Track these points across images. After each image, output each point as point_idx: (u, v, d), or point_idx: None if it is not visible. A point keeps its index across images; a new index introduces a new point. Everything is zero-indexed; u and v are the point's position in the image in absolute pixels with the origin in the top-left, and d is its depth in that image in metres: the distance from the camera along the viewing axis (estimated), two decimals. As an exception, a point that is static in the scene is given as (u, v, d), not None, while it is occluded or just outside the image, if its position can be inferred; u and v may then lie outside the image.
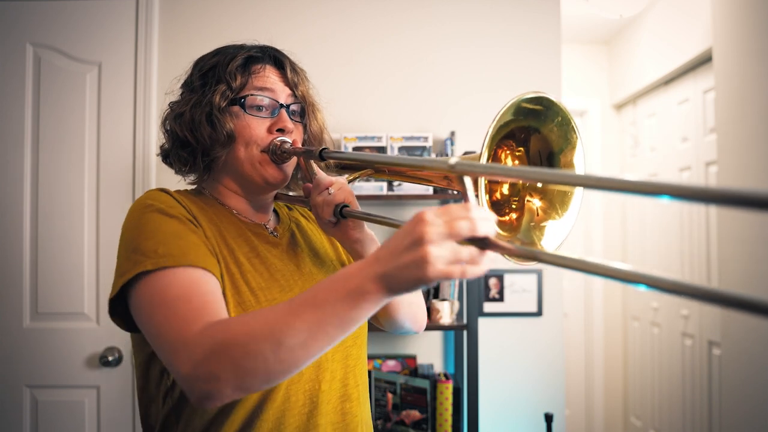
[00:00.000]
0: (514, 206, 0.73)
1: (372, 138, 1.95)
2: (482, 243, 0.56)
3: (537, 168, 0.66)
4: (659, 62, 3.01)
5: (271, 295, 0.81)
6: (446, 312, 1.84)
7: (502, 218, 0.73)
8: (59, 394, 1.95)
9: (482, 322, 2.06)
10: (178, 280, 0.71)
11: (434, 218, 0.55)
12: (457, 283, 1.93)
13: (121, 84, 2.04)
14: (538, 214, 0.71)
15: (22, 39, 2.01)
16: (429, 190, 1.92)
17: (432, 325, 1.84)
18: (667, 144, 3.07)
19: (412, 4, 2.16)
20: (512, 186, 0.74)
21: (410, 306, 0.96)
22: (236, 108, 0.87)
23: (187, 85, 0.91)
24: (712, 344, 2.60)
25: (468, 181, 0.60)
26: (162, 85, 2.08)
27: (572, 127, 0.70)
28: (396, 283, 0.58)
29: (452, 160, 0.60)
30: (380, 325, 1.00)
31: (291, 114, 0.90)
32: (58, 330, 1.96)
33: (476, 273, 0.57)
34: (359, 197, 1.57)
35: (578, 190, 0.71)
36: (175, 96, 0.93)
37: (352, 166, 0.92)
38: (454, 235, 0.54)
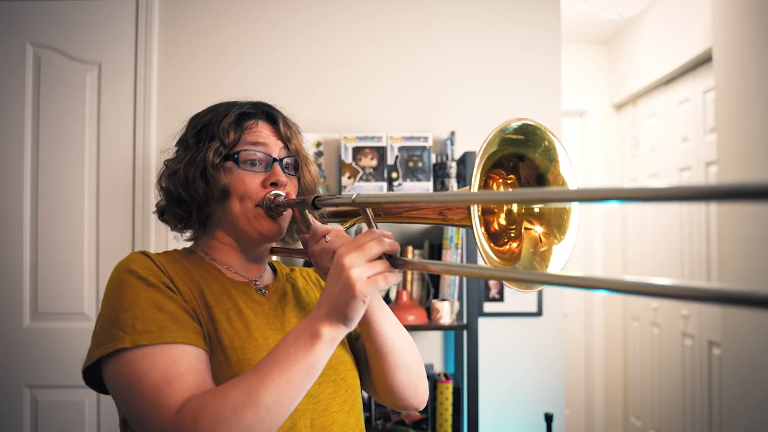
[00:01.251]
0: (512, 235, 0.74)
1: (372, 138, 1.95)
2: (389, 256, 0.70)
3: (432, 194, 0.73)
4: (659, 62, 3.01)
5: (243, 355, 0.80)
6: (446, 312, 1.84)
7: (502, 248, 0.73)
8: (59, 394, 1.95)
9: (482, 322, 2.06)
10: (157, 361, 0.71)
11: (348, 250, 0.68)
12: (457, 283, 1.93)
13: (121, 84, 2.04)
14: (540, 241, 0.72)
15: (22, 39, 2.01)
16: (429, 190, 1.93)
17: (432, 325, 1.84)
18: (667, 144, 3.07)
19: (412, 5, 2.16)
20: (508, 215, 0.75)
21: (408, 372, 0.91)
22: (230, 164, 0.88)
23: (182, 143, 0.93)
24: (712, 344, 2.60)
25: (369, 211, 0.74)
26: (162, 85, 2.09)
27: (554, 146, 0.71)
28: (340, 312, 0.68)
29: (354, 195, 0.75)
30: (379, 398, 0.95)
31: (284, 168, 0.91)
32: (58, 330, 1.96)
33: (395, 278, 0.69)
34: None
35: (575, 211, 0.72)
36: (170, 154, 0.94)
37: (347, 213, 0.91)
38: (366, 255, 0.68)
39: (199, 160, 0.87)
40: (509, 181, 0.75)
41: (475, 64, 2.16)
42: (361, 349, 0.93)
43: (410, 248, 1.99)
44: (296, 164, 0.95)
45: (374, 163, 1.95)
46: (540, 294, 2.12)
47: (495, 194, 0.70)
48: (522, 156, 0.72)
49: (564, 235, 0.72)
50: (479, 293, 2.08)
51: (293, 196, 0.90)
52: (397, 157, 1.95)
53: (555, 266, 0.71)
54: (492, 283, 2.12)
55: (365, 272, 0.67)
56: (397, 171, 1.94)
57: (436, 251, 1.99)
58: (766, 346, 2.00)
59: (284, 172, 0.91)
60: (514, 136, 0.69)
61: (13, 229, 1.98)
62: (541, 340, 2.13)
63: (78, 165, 2.01)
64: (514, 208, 0.75)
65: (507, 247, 0.73)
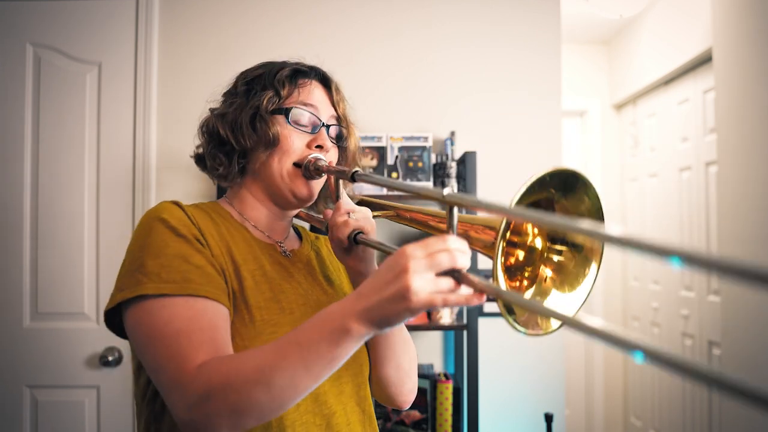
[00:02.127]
0: (526, 275, 0.72)
1: (372, 138, 1.95)
2: (457, 275, 0.59)
3: (539, 213, 0.59)
4: (659, 62, 3.01)
5: (268, 315, 0.80)
6: (446, 312, 1.84)
7: (512, 284, 0.71)
8: (59, 394, 1.95)
9: (482, 322, 2.06)
10: (178, 312, 0.71)
11: (416, 251, 0.58)
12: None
13: (121, 84, 2.04)
14: (545, 281, 0.70)
15: (22, 39, 2.01)
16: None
17: (432, 325, 1.84)
18: (667, 144, 3.07)
19: (412, 5, 2.16)
20: (529, 254, 0.72)
21: (398, 369, 0.91)
22: (280, 117, 0.87)
23: (230, 94, 0.93)
24: (712, 344, 2.60)
25: (455, 212, 0.63)
26: (162, 85, 2.08)
27: (599, 208, 0.66)
28: (381, 317, 0.60)
29: (445, 191, 0.63)
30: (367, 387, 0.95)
31: (330, 135, 0.92)
32: (58, 330, 1.96)
33: (456, 301, 0.59)
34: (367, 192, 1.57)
35: (591, 274, 0.69)
36: (216, 104, 0.94)
37: (376, 206, 0.91)
38: (435, 266, 0.58)
39: (251, 107, 0.87)
40: (536, 230, 0.72)
41: (475, 64, 2.16)
42: None
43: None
44: (340, 135, 0.95)
45: (374, 163, 1.95)
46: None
47: (537, 215, 0.58)
48: (561, 199, 0.67)
49: (573, 290, 0.69)
50: (479, 293, 2.08)
51: (334, 164, 0.90)
52: (397, 157, 1.95)
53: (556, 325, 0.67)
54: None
55: (428, 287, 0.58)
56: (397, 171, 1.94)
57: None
58: (766, 346, 2.00)
59: (329, 138, 0.91)
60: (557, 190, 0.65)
61: (13, 229, 1.98)
62: (541, 340, 2.12)
63: (78, 165, 2.01)
64: (539, 244, 0.72)
65: (519, 284, 0.72)
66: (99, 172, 2.02)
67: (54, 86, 2.01)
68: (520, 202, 0.59)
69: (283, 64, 0.92)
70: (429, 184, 1.92)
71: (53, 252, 1.98)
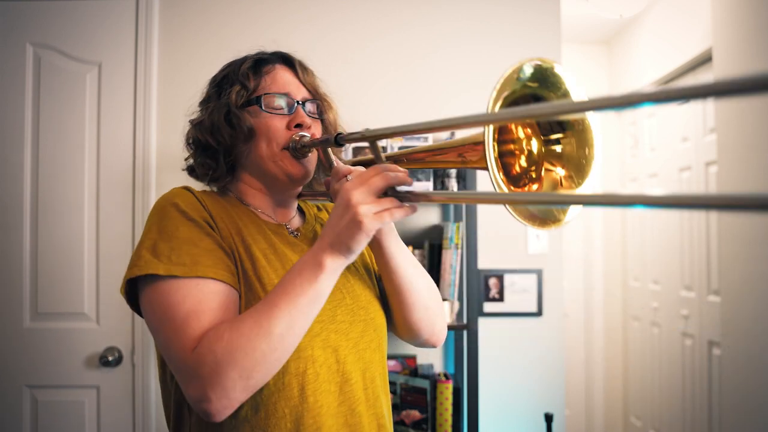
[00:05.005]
0: (533, 176, 0.74)
1: (372, 138, 1.95)
2: (393, 192, 0.71)
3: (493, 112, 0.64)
4: (659, 62, 3.01)
5: None
6: (446, 312, 1.84)
7: (522, 189, 0.73)
8: (59, 394, 1.95)
9: (482, 322, 2.06)
10: (188, 294, 0.74)
11: (353, 183, 0.70)
12: (457, 283, 1.93)
13: (121, 84, 2.04)
14: (561, 184, 0.72)
15: (22, 39, 2.01)
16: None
17: (432, 325, 1.84)
18: (667, 144, 3.07)
19: (412, 4, 2.16)
20: (529, 156, 0.75)
21: (426, 311, 0.92)
22: (254, 107, 0.89)
23: (204, 101, 0.95)
24: (712, 344, 2.60)
25: (377, 145, 0.76)
26: (162, 85, 2.09)
27: (568, 93, 0.70)
28: (343, 244, 0.70)
29: (363, 129, 0.76)
30: (398, 334, 0.97)
31: (308, 112, 0.93)
32: (58, 330, 1.96)
33: (403, 213, 0.71)
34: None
35: (597, 155, 0.73)
36: (194, 115, 0.96)
37: (371, 162, 0.92)
38: (373, 191, 0.69)
39: (222, 105, 0.89)
40: (529, 131, 0.74)
41: (474, 64, 2.16)
42: (383, 289, 0.95)
43: (410, 248, 1.99)
44: (318, 108, 0.96)
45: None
46: (540, 294, 2.12)
47: (504, 113, 0.62)
48: (539, 97, 0.70)
49: (584, 180, 0.71)
50: (479, 293, 2.08)
51: (318, 137, 0.92)
52: (397, 157, 1.94)
53: (573, 212, 0.69)
54: (492, 283, 2.12)
55: (372, 208, 0.69)
56: (397, 171, 1.94)
57: (436, 251, 1.99)
58: (766, 346, 2.00)
59: (308, 115, 0.92)
60: (531, 83, 0.67)
61: (13, 229, 1.98)
62: (541, 340, 2.13)
63: (78, 165, 2.01)
64: (534, 148, 0.74)
65: (527, 188, 0.73)
66: (99, 172, 2.02)
67: (54, 86, 2.01)
68: (501, 103, 0.63)
69: (244, 58, 0.94)
70: (429, 185, 1.92)
71: (53, 252, 1.98)
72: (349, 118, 2.31)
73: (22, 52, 2.01)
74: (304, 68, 0.96)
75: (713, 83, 0.35)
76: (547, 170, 0.72)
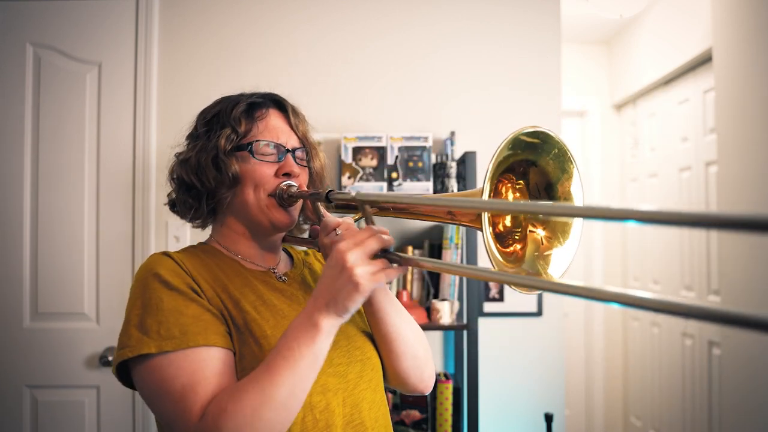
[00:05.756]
0: (517, 237, 0.75)
1: (372, 138, 1.95)
2: (385, 252, 0.73)
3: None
4: (659, 62, 3.01)
5: (275, 342, 0.81)
6: (446, 312, 1.84)
7: (507, 250, 0.74)
8: (59, 394, 1.95)
9: (482, 322, 2.06)
10: (182, 366, 0.74)
11: (349, 246, 0.70)
12: (456, 282, 1.93)
13: (121, 84, 2.04)
14: (543, 243, 0.73)
15: (22, 39, 2.01)
16: (429, 190, 1.92)
17: (432, 325, 1.84)
18: (667, 144, 3.07)
19: (412, 4, 2.16)
20: (514, 218, 0.76)
21: (415, 359, 0.93)
22: (244, 153, 0.89)
23: (192, 136, 0.95)
24: (712, 344, 2.59)
25: (367, 208, 0.78)
26: (162, 85, 2.09)
27: (568, 157, 0.72)
28: (340, 305, 0.70)
29: (353, 192, 0.79)
30: (388, 382, 0.98)
31: (296, 159, 0.93)
32: (58, 330, 1.96)
33: (395, 273, 0.72)
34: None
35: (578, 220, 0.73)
36: (181, 148, 0.95)
37: (355, 207, 0.93)
38: (368, 253, 0.71)
39: (211, 147, 0.89)
40: (518, 186, 0.76)
41: (475, 64, 2.16)
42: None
43: (410, 248, 1.99)
44: (306, 154, 0.96)
45: (374, 163, 1.95)
46: (540, 294, 2.12)
47: (499, 203, 0.70)
48: (534, 162, 0.73)
49: (566, 239, 0.72)
50: (479, 293, 2.08)
51: (305, 186, 0.92)
52: (397, 157, 1.94)
53: (557, 269, 0.71)
54: (492, 283, 2.12)
55: (368, 269, 0.70)
56: (397, 171, 1.94)
57: (436, 251, 1.99)
58: (766, 346, 2.00)
59: (296, 162, 0.92)
60: (529, 140, 0.70)
61: (13, 228, 1.98)
62: (541, 340, 2.12)
63: (78, 165, 2.01)
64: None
65: (512, 248, 0.75)
66: (99, 172, 2.02)
67: (54, 86, 2.01)
68: (496, 170, 0.67)
69: (238, 98, 0.94)
70: (429, 185, 1.92)
71: (53, 252, 1.98)
72: (350, 118, 2.33)
73: (21, 52, 2.01)
74: (296, 114, 0.96)
75: (707, 214, 0.36)
76: (530, 231, 0.75)
